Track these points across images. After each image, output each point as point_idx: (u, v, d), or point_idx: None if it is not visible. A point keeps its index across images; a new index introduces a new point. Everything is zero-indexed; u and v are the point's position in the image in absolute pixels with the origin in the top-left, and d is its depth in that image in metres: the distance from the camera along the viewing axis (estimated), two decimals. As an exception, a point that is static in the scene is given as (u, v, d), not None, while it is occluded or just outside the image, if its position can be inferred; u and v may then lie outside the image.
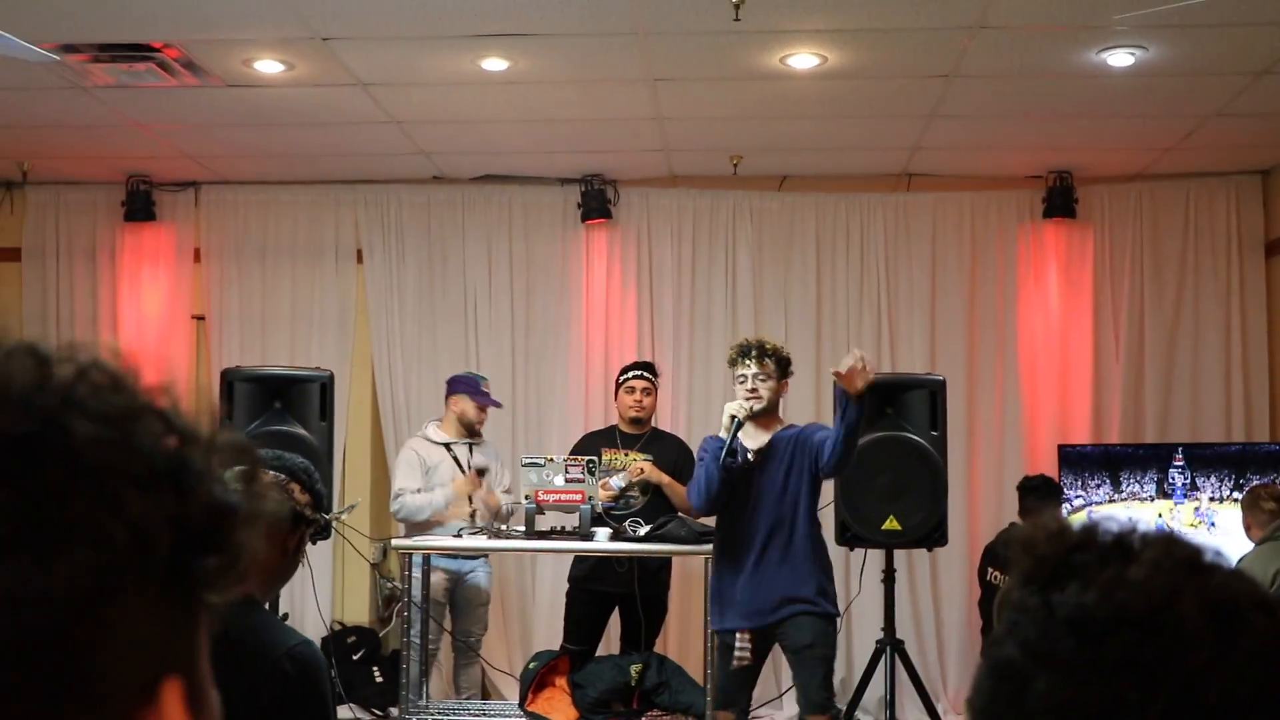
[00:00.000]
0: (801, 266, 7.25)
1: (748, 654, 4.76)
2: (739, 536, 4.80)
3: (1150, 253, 7.17)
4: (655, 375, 6.22)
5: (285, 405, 5.68)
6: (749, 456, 4.77)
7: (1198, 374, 7.08)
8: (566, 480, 5.54)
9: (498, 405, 6.34)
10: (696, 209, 7.30)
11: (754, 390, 4.76)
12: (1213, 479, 6.50)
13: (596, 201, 7.21)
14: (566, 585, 6.19)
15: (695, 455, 4.95)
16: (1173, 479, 6.54)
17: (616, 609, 6.09)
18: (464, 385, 6.23)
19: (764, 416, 4.82)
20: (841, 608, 6.38)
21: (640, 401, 6.07)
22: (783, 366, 4.86)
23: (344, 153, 6.85)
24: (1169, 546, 0.82)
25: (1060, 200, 7.08)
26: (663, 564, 6.03)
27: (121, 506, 0.56)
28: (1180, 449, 6.59)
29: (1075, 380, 7.08)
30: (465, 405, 6.17)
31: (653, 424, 6.22)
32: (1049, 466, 6.61)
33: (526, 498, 5.54)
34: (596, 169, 7.17)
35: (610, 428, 6.26)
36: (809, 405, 7.07)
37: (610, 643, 6.28)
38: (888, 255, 7.23)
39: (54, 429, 0.56)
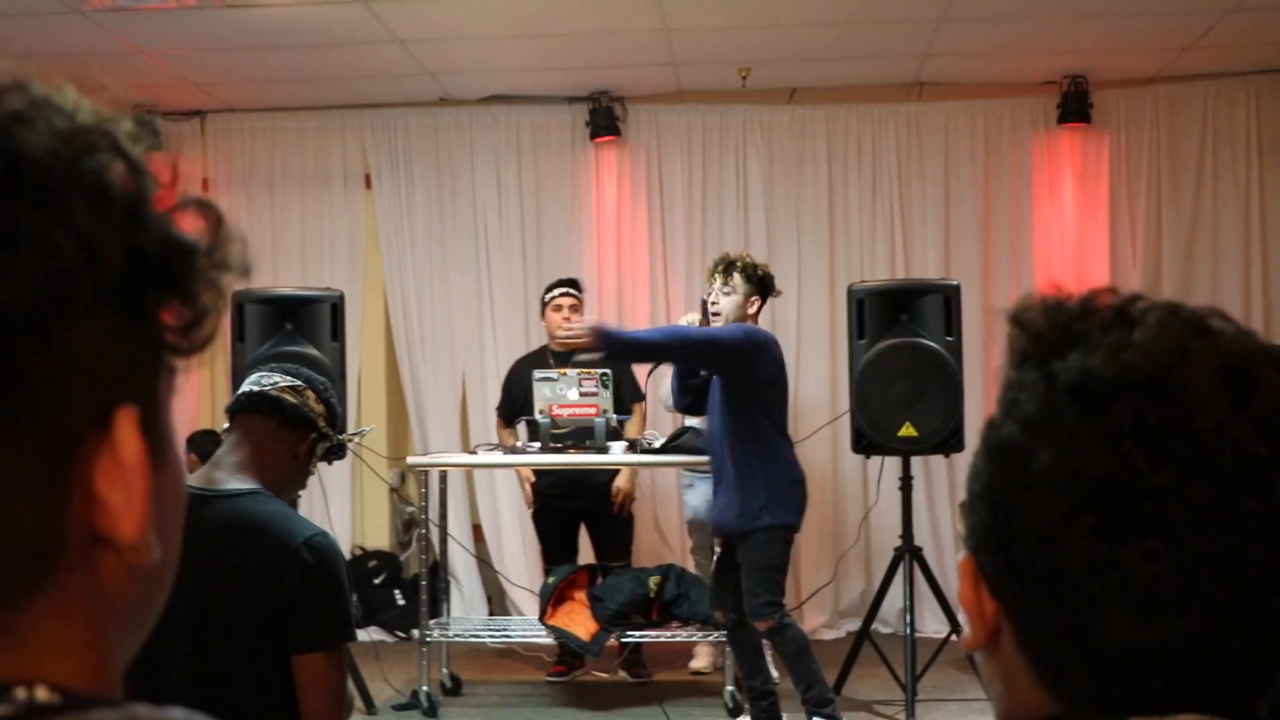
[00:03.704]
0: (813, 179, 7.17)
1: (719, 558, 5.02)
2: (709, 446, 5.00)
3: (1168, 158, 7.06)
4: (580, 291, 6.14)
5: (296, 327, 5.66)
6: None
7: (1216, 281, 6.99)
8: (581, 394, 5.52)
9: None
10: (706, 124, 7.22)
11: (714, 302, 4.83)
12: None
13: (605, 119, 7.13)
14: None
15: None
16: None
17: (583, 525, 6.09)
18: None
19: None
20: (859, 516, 6.43)
21: (569, 319, 6.00)
22: (752, 282, 4.82)
23: (349, 75, 6.77)
24: (1174, 310, 0.78)
25: (1075, 106, 6.96)
26: (612, 475, 5.98)
27: (69, 219, 0.54)
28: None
29: (1091, 287, 6.99)
30: None
31: None
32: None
33: (541, 412, 5.52)
34: (603, 86, 7.08)
35: (540, 349, 6.18)
36: (823, 319, 7.04)
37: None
38: (900, 166, 7.15)
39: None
